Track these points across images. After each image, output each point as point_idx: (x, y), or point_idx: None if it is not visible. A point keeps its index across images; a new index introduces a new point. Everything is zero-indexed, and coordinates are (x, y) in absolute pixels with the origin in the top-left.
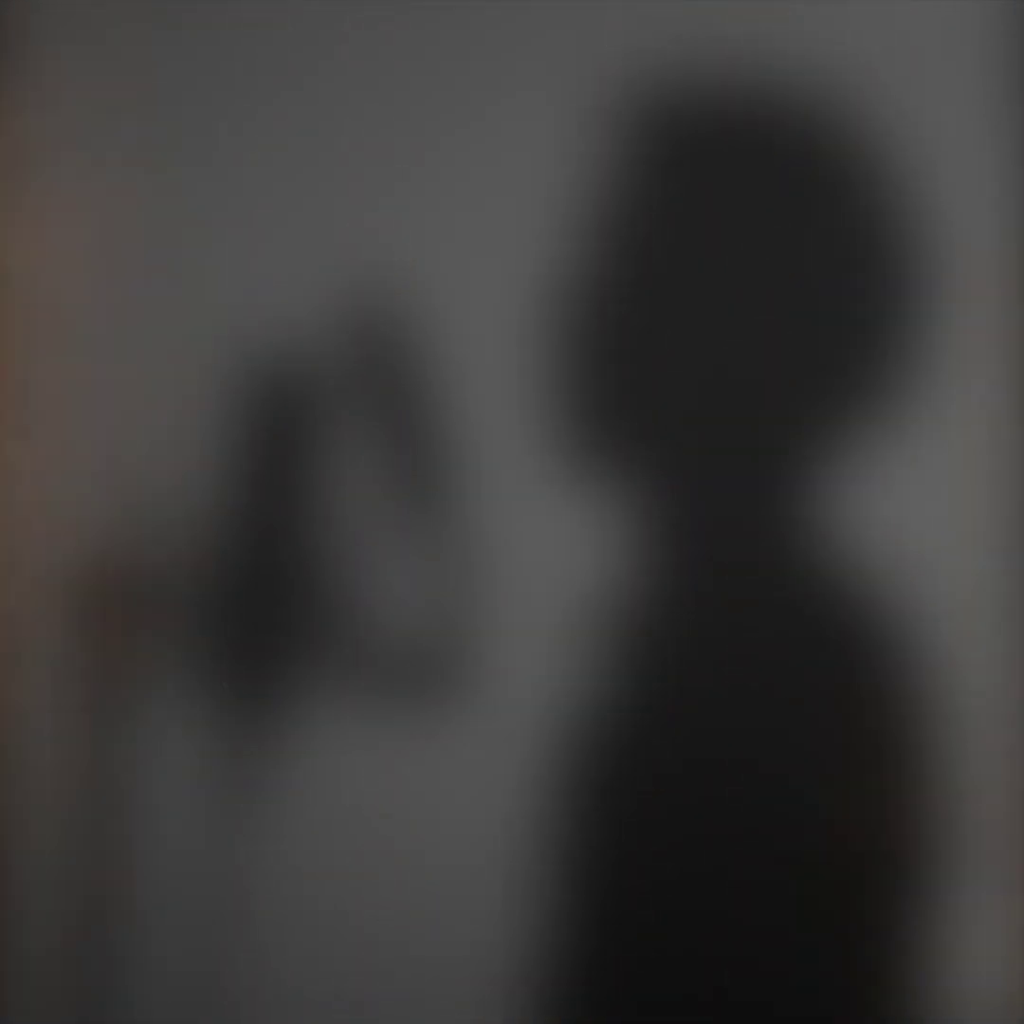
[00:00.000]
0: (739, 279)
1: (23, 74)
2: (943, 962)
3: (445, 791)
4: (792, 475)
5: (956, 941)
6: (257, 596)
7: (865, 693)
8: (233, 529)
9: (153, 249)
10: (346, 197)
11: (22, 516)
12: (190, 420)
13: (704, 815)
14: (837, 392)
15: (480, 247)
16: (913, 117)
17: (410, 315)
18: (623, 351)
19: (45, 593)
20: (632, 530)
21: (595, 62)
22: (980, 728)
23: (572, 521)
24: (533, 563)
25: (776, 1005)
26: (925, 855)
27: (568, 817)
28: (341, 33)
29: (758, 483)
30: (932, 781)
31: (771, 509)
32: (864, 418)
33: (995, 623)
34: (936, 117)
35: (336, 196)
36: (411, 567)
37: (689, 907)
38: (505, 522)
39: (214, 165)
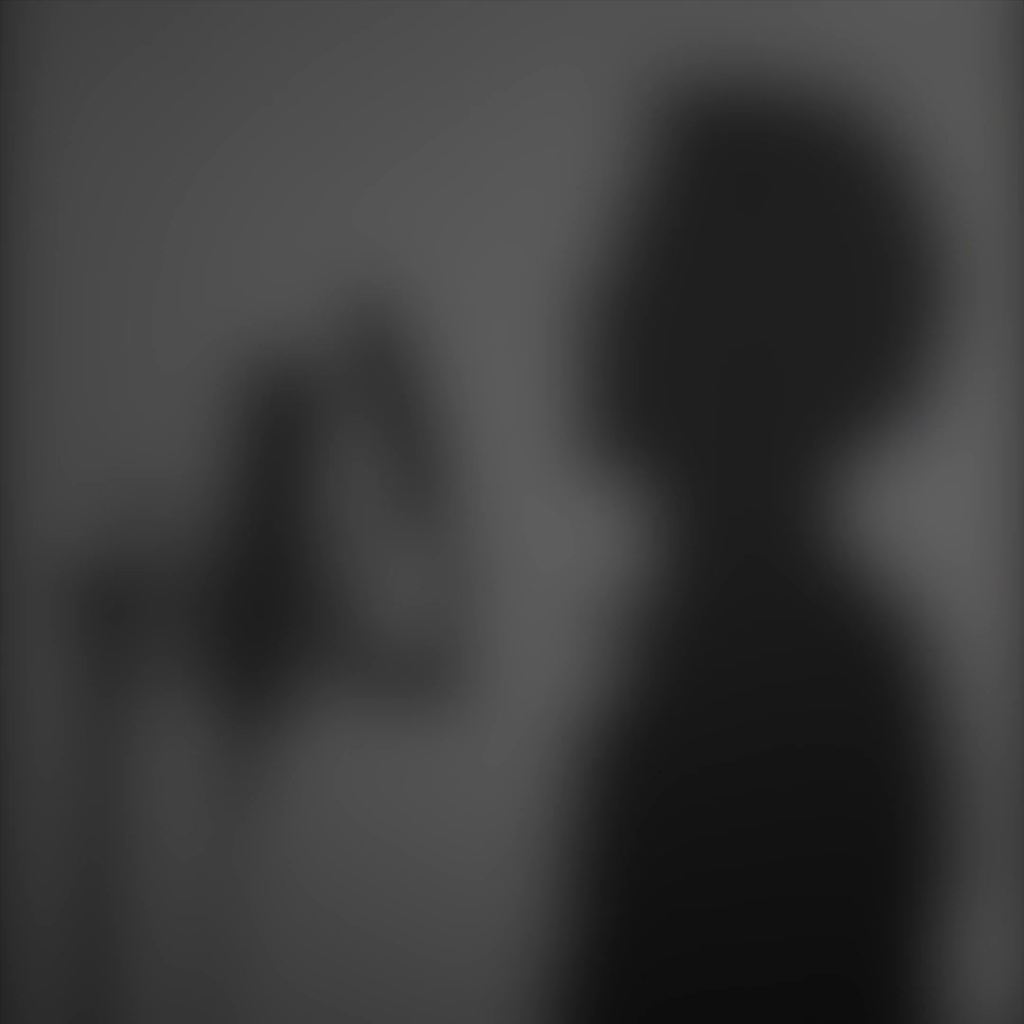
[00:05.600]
0: (759, 279)
1: (23, 74)
2: (950, 963)
3: (451, 791)
4: (810, 475)
5: (963, 941)
6: (258, 596)
7: (879, 692)
8: (234, 529)
9: (155, 246)
10: (353, 192)
11: (22, 515)
12: (191, 419)
13: (715, 814)
14: (857, 392)
15: (492, 241)
16: (942, 123)
17: (417, 311)
18: (640, 347)
19: (45, 593)
20: (646, 528)
21: (617, 55)
22: (994, 729)
23: (585, 518)
24: (544, 560)
25: (786, 1003)
26: (935, 854)
27: (579, 817)
28: (351, 21)
29: (774, 482)
30: (943, 781)
31: (788, 509)
32: (884, 418)
33: (1012, 625)
34: (965, 127)
35: (343, 191)
36: (415, 564)
37: (698, 906)
38: (515, 519)
39: (217, 159)
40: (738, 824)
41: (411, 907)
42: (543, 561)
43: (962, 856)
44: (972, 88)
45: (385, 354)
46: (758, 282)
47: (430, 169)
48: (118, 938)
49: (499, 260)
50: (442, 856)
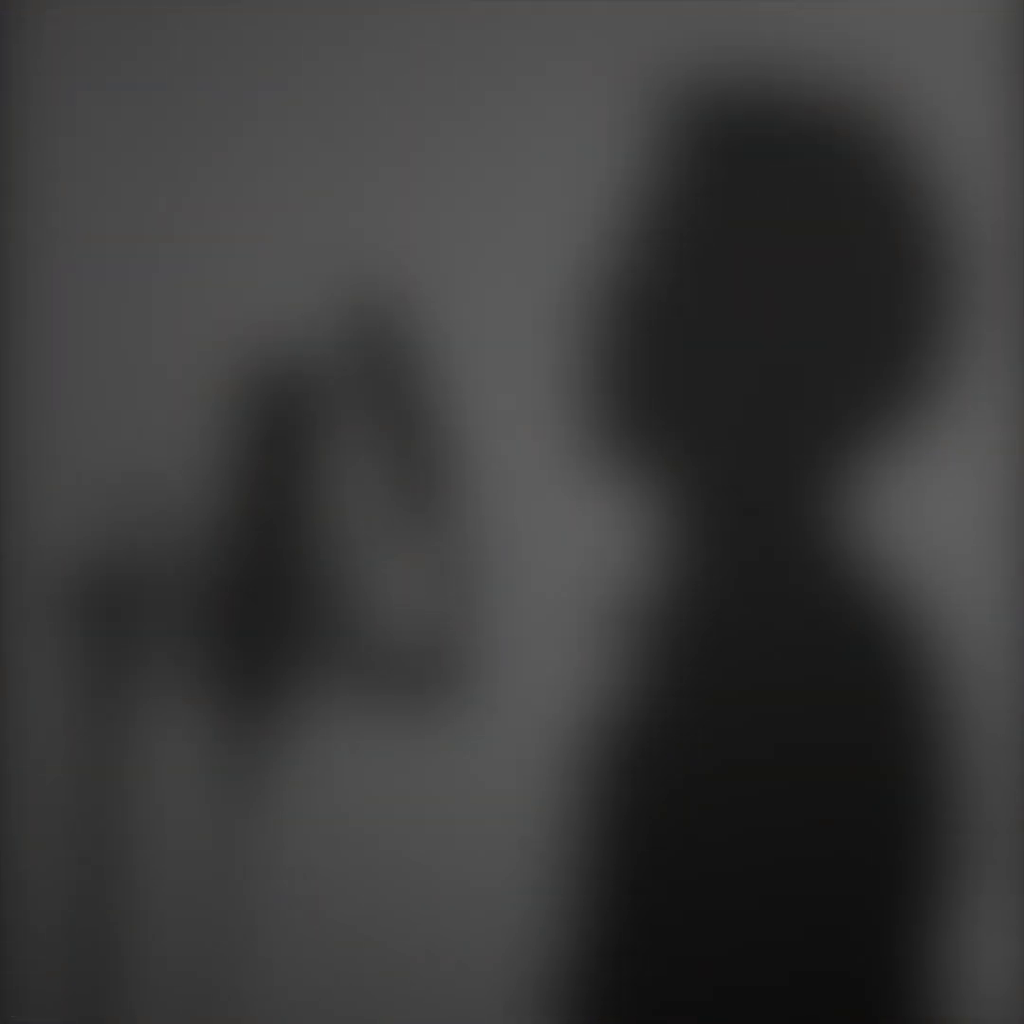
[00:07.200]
0: (771, 277)
1: (23, 75)
2: (950, 962)
3: (455, 791)
4: (819, 473)
5: (962, 940)
6: (259, 596)
7: (886, 691)
8: (234, 528)
9: (155, 246)
10: (354, 190)
11: (22, 515)
12: (192, 419)
13: (721, 814)
14: (867, 391)
15: (499, 238)
16: (947, 123)
17: (419, 309)
18: (651, 345)
19: (46, 593)
20: (654, 526)
21: (630, 54)
22: (999, 727)
23: (594, 517)
24: (548, 559)
25: (788, 1001)
26: (939, 851)
27: (584, 817)
28: (355, 26)
29: (784, 481)
30: (948, 778)
31: (797, 508)
32: (892, 418)
33: (1017, 625)
34: (971, 127)
35: (344, 189)
36: (417, 563)
37: (699, 906)
38: (519, 518)
39: (218, 158)
40: (744, 824)
41: (412, 908)
42: (547, 559)
43: (965, 852)
44: (977, 88)
45: (386, 353)
46: (769, 280)
47: (435, 166)
48: (118, 938)
49: (505, 257)
50: (445, 857)
